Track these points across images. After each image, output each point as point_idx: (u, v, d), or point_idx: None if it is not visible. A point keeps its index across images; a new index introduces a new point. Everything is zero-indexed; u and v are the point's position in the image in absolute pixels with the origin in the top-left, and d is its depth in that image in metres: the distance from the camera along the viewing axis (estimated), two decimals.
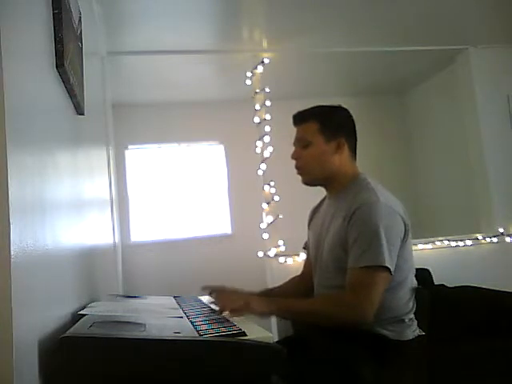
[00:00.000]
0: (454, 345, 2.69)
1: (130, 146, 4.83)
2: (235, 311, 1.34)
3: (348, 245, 1.49)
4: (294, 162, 1.68)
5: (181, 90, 4.50)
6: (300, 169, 1.67)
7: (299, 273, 1.90)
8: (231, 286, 1.67)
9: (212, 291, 1.60)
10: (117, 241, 3.35)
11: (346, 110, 1.70)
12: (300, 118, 1.67)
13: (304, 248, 1.90)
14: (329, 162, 1.62)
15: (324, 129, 1.62)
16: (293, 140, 1.70)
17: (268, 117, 3.71)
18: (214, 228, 4.88)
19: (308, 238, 1.83)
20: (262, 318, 1.42)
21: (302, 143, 1.65)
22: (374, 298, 1.42)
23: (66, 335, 0.89)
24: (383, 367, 1.45)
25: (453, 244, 3.71)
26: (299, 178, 1.71)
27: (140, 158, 4.89)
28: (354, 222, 1.48)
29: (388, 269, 1.43)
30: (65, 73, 1.24)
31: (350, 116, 1.69)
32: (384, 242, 1.43)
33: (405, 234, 1.52)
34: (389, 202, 1.51)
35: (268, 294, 1.78)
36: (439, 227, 4.52)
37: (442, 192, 4.76)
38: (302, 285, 1.82)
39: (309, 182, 1.68)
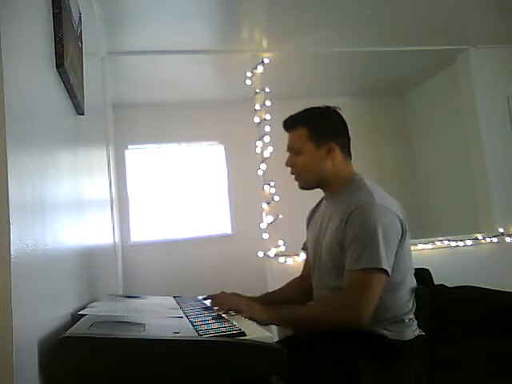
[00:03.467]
0: (454, 345, 2.68)
1: (130, 146, 4.83)
2: (234, 310, 1.35)
3: (345, 246, 1.49)
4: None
5: (181, 90, 4.50)
6: (295, 175, 1.68)
7: (299, 273, 1.90)
8: (231, 292, 1.67)
9: (213, 298, 1.58)
10: (117, 241, 3.35)
11: (335, 111, 1.69)
12: (289, 125, 1.68)
13: (303, 249, 1.90)
14: (322, 167, 1.63)
15: (313, 135, 1.63)
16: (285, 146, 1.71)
17: (268, 117, 3.71)
18: (213, 228, 4.88)
19: (307, 239, 1.83)
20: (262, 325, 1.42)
21: (293, 151, 1.66)
22: (370, 301, 1.42)
23: (65, 335, 0.89)
24: (383, 367, 1.45)
25: (453, 244, 3.71)
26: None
27: (140, 157, 4.89)
28: (351, 224, 1.48)
29: (385, 270, 1.43)
30: (65, 73, 1.24)
31: (340, 117, 1.69)
32: (381, 243, 1.43)
33: (402, 234, 1.52)
34: (384, 203, 1.51)
35: (268, 298, 1.78)
36: (439, 227, 4.52)
37: (442, 192, 4.76)
38: (302, 287, 1.81)
39: (305, 186, 1.70)
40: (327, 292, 1.60)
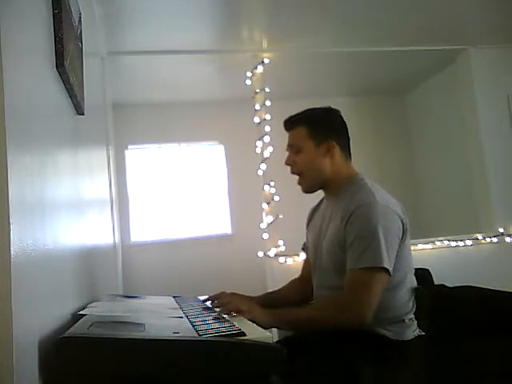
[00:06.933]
0: (454, 345, 2.68)
1: (130, 146, 4.83)
2: (236, 312, 1.35)
3: (346, 245, 1.49)
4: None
5: (181, 90, 4.50)
6: (298, 176, 1.68)
7: (299, 273, 1.90)
8: (231, 292, 1.66)
9: (212, 298, 1.58)
10: (117, 241, 3.35)
11: (335, 110, 1.70)
12: (289, 124, 1.69)
13: (302, 249, 1.90)
14: (321, 165, 1.63)
15: (313, 133, 1.63)
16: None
17: (268, 117, 3.71)
18: (213, 228, 4.88)
19: (307, 239, 1.83)
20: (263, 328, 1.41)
21: (293, 149, 1.67)
22: (372, 300, 1.42)
23: (65, 335, 0.89)
24: (383, 367, 1.45)
25: (453, 244, 3.72)
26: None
27: (140, 157, 4.89)
28: (352, 223, 1.48)
29: (386, 270, 1.43)
30: (65, 73, 1.24)
31: (340, 117, 1.69)
32: (382, 242, 1.43)
33: (403, 233, 1.52)
34: (386, 202, 1.51)
35: (268, 298, 1.78)
36: (439, 227, 4.52)
37: (442, 192, 4.76)
38: (301, 287, 1.81)
39: (308, 189, 1.69)
40: (327, 291, 1.60)
